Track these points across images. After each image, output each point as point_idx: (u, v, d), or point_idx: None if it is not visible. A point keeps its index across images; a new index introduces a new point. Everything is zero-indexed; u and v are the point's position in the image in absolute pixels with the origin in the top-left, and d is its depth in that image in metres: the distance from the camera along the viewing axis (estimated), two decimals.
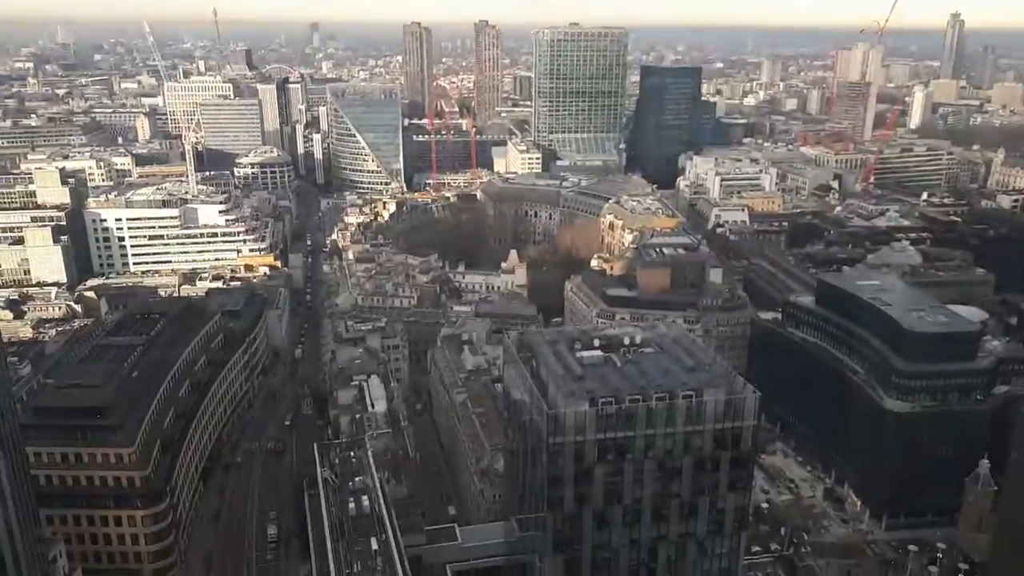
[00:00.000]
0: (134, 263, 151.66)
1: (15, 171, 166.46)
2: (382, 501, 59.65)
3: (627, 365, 54.90)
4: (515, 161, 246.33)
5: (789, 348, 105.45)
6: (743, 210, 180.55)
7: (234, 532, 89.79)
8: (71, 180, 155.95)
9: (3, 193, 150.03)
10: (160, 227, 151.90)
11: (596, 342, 58.18)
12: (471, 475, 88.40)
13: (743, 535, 56.35)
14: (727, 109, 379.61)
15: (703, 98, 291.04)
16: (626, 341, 58.45)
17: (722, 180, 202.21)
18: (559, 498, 52.08)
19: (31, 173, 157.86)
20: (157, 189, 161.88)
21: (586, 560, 53.81)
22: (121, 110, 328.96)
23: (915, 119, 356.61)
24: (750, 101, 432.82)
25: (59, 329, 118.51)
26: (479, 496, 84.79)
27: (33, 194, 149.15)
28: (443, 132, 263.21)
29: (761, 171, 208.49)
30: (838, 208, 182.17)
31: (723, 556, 55.39)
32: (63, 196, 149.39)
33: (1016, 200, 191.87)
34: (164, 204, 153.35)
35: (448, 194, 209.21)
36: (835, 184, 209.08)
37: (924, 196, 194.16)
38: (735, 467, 53.62)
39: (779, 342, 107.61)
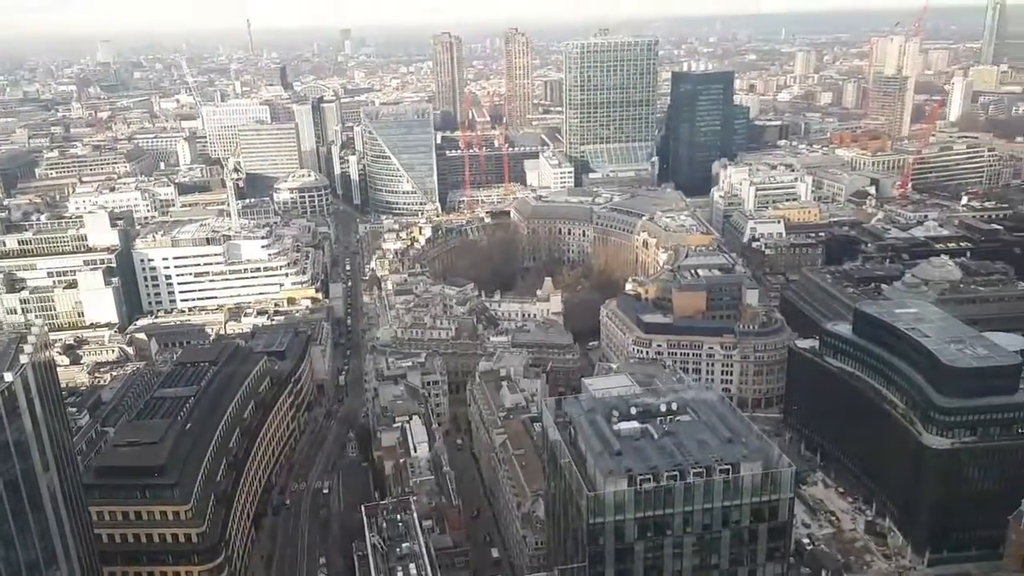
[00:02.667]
0: (181, 300, 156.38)
1: (66, 215, 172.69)
2: (429, 570, 61.76)
3: (664, 437, 56.23)
4: (547, 175, 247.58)
5: (827, 378, 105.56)
6: (779, 222, 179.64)
7: (285, 574, 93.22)
8: (119, 222, 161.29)
9: (56, 238, 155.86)
10: (205, 264, 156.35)
11: (633, 410, 59.56)
12: (513, 519, 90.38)
13: None
14: (761, 106, 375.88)
15: (735, 101, 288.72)
16: (663, 408, 59.75)
17: (757, 190, 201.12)
18: (600, 573, 53.74)
19: (82, 216, 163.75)
20: (201, 226, 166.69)
21: None
22: (162, 134, 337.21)
23: (955, 111, 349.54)
24: (784, 96, 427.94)
25: (113, 374, 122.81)
26: (522, 542, 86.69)
27: (84, 237, 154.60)
28: (475, 147, 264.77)
29: (796, 179, 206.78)
30: (876, 217, 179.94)
31: None
32: (112, 238, 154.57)
33: None
34: (208, 241, 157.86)
35: (482, 213, 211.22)
36: (872, 189, 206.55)
37: (964, 200, 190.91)
38: (773, 538, 54.82)
39: (817, 371, 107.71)
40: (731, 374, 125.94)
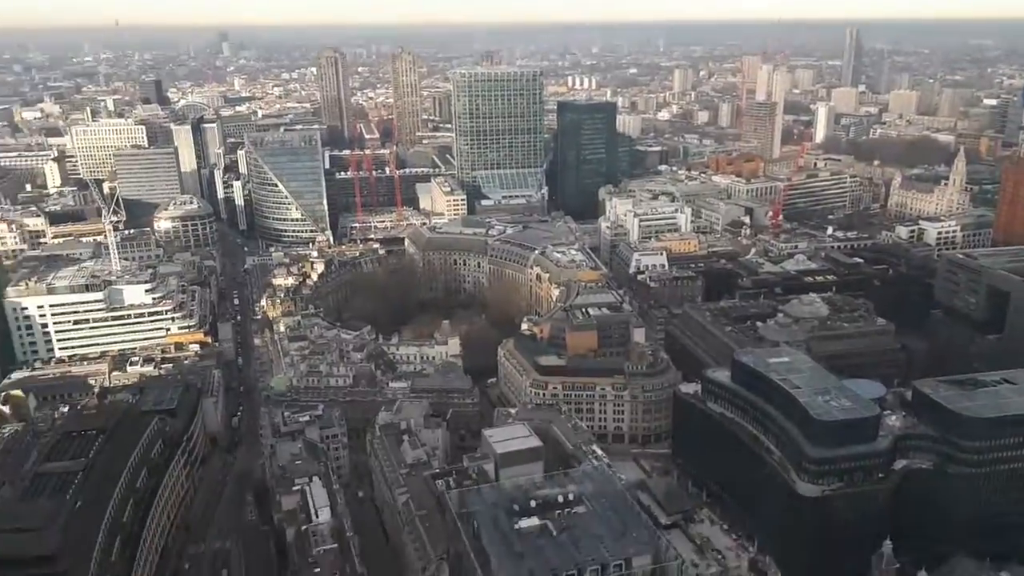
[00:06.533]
0: (59, 348, 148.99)
1: None
2: None
3: (562, 533, 59.66)
4: (440, 201, 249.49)
5: (710, 422, 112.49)
6: (661, 254, 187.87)
7: None
8: None
9: None
10: (85, 311, 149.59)
11: (533, 503, 62.73)
12: None
13: None
14: (643, 126, 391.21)
15: (618, 126, 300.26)
16: (560, 500, 63.20)
17: (640, 221, 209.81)
18: None
19: None
20: (79, 269, 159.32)
21: None
22: (26, 152, 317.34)
23: (819, 134, 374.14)
24: (664, 115, 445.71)
25: None
26: None
27: None
28: (365, 170, 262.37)
29: (677, 210, 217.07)
30: (752, 250, 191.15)
31: None
32: None
33: (912, 230, 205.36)
34: (87, 288, 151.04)
35: (375, 243, 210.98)
36: (746, 219, 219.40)
37: (829, 230, 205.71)
38: None
39: (700, 415, 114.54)
40: (622, 413, 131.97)
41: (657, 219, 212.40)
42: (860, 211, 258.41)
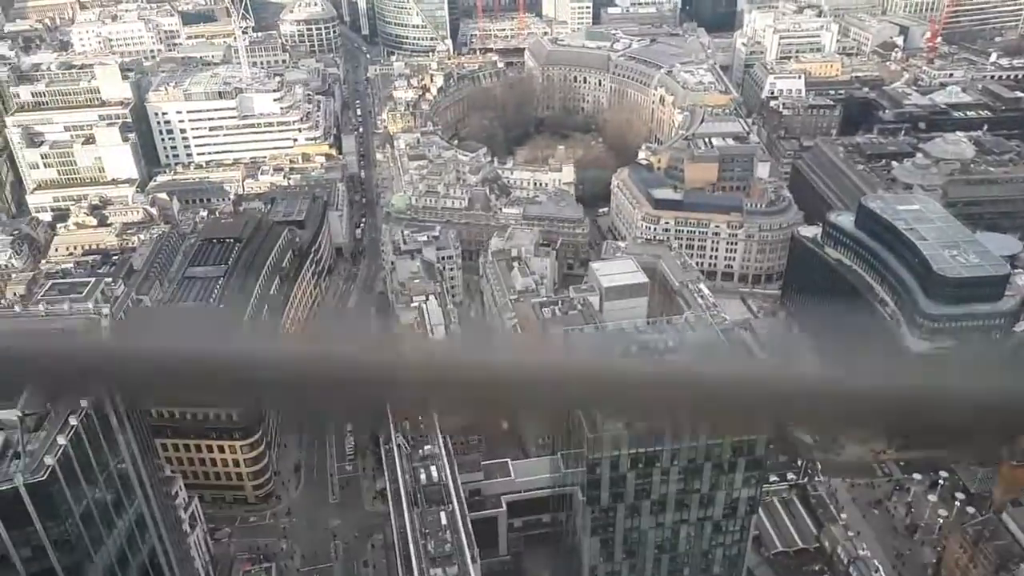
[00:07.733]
0: (197, 154, 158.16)
1: (76, 64, 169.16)
2: (448, 471, 70.27)
3: None
4: (564, 8, 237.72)
5: (826, 267, 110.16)
6: (799, 77, 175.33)
7: (316, 444, 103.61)
8: (130, 73, 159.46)
9: (69, 90, 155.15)
10: (219, 118, 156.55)
11: (634, 348, 64.81)
12: None
13: (753, 516, 66.05)
14: None
15: None
16: (660, 347, 65.07)
17: (780, 38, 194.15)
18: (596, 496, 61.86)
19: (92, 65, 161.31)
20: (212, 76, 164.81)
21: (618, 540, 64.52)
22: None
23: None
24: None
25: (140, 237, 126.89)
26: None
27: (97, 90, 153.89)
28: None
29: (822, 27, 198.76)
30: (903, 77, 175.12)
31: (735, 532, 65.54)
32: (125, 91, 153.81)
33: None
34: (221, 95, 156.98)
35: (494, 56, 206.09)
36: (900, 40, 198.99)
37: (993, 56, 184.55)
38: (749, 468, 62.24)
39: (816, 260, 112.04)
40: (735, 252, 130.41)
41: (799, 36, 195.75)
42: None
